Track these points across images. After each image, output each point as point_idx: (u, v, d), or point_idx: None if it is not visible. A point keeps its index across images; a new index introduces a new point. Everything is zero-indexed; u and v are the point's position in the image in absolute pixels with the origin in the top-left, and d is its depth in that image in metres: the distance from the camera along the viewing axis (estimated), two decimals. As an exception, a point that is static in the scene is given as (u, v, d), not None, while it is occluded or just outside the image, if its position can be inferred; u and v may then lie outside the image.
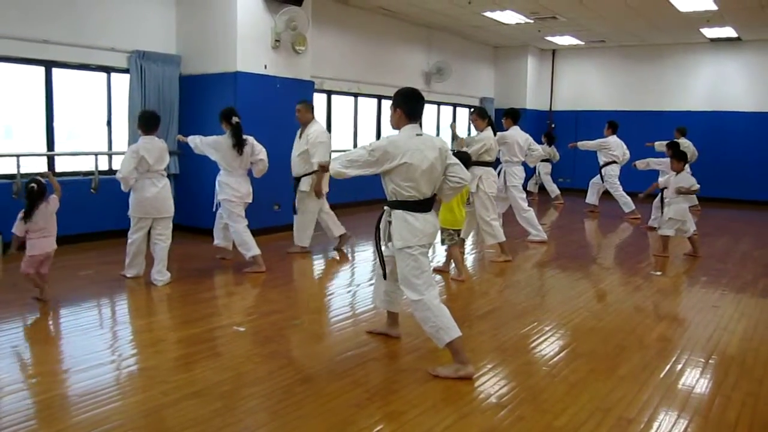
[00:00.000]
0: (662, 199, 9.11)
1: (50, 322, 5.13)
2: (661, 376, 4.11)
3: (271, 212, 8.84)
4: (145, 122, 6.12)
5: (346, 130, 12.24)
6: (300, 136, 7.47)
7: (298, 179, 7.47)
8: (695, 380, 4.06)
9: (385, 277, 4.39)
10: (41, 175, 5.57)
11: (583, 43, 15.39)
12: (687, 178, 7.97)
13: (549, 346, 4.69)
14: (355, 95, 12.16)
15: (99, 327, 5.08)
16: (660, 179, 8.73)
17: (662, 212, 8.45)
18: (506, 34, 14.38)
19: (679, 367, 4.28)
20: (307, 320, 5.28)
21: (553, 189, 13.86)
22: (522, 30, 13.66)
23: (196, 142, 6.65)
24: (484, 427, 3.33)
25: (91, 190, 7.80)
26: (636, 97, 15.57)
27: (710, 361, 4.41)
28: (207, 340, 4.62)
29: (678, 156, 8.21)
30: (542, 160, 12.78)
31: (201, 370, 4.01)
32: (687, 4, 10.71)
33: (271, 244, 7.85)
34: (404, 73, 12.77)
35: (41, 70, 7.56)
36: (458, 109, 15.50)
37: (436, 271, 6.61)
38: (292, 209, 7.62)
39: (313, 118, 7.51)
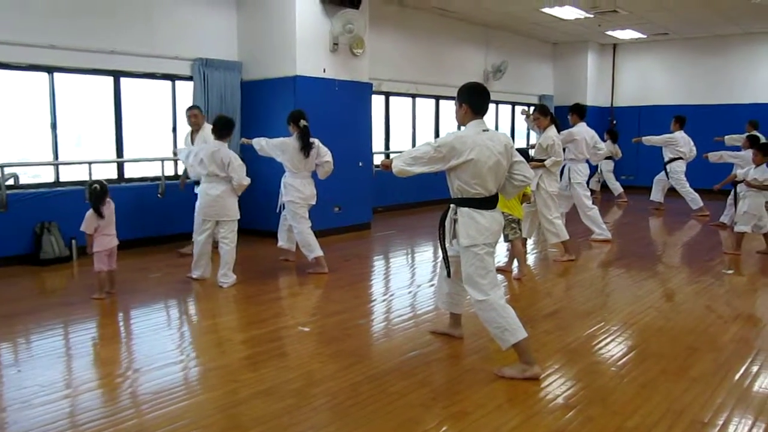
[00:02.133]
0: (735, 194, 8.81)
1: (121, 323, 5.31)
2: (736, 378, 3.97)
3: (332, 214, 8.92)
4: (218, 127, 6.27)
5: (404, 131, 12.26)
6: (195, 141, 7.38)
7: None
8: (773, 382, 3.91)
9: (449, 275, 4.37)
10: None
11: (645, 36, 15.01)
12: (764, 171, 7.65)
13: (616, 346, 4.58)
14: (413, 96, 12.17)
15: (167, 327, 5.23)
16: (738, 171, 8.37)
17: (735, 208, 8.15)
18: (565, 30, 14.15)
19: (756, 368, 4.12)
20: (370, 320, 5.31)
21: (617, 187, 13.55)
22: (582, 25, 13.41)
23: (261, 144, 6.75)
24: (552, 429, 3.28)
25: (158, 195, 8.04)
26: (702, 90, 15.09)
27: (789, 363, 4.24)
28: (273, 340, 4.70)
29: (761, 148, 7.89)
30: (605, 158, 12.51)
31: (268, 370, 4.07)
32: (756, -8, 10.34)
33: (332, 246, 7.92)
34: (462, 73, 12.65)
35: (110, 80, 7.84)
36: (517, 107, 15.32)
37: (499, 270, 6.55)
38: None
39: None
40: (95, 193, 5.69)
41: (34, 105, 7.36)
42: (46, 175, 7.57)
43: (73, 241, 7.15)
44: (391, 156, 4.73)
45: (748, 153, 9.65)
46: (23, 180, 7.27)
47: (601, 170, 13.80)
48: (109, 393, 3.79)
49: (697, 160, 11.25)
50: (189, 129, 7.55)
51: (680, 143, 11.22)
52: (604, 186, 13.96)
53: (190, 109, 7.57)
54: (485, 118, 4.05)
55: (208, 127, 7.33)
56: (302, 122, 6.52)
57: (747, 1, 10.80)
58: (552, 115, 7.42)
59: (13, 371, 4.11)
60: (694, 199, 11.17)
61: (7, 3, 6.82)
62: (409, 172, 3.96)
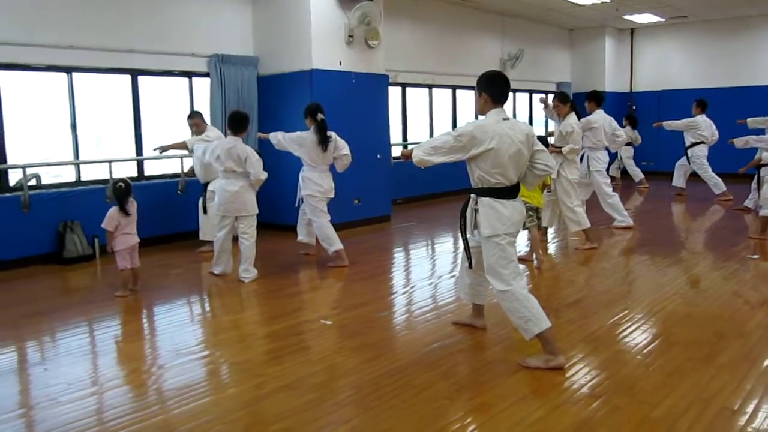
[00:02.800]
0: (759, 178, 8.67)
1: (145, 319, 5.35)
2: (765, 364, 3.91)
3: (352, 206, 8.92)
4: (232, 123, 6.28)
5: (422, 122, 12.21)
6: None
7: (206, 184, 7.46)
8: (803, 368, 3.85)
9: (470, 266, 4.34)
10: None
11: (663, 19, 14.79)
12: None
13: (641, 334, 4.54)
14: (430, 87, 12.11)
15: (191, 323, 5.27)
16: (763, 155, 8.20)
17: (759, 192, 8.02)
18: (582, 16, 13.99)
19: (784, 354, 4.07)
20: (392, 313, 5.31)
21: (637, 173, 13.40)
22: (598, 10, 13.26)
23: (278, 138, 6.74)
24: (578, 419, 3.25)
25: (178, 192, 8.09)
26: (722, 73, 14.84)
27: (818, 348, 4.17)
28: (295, 334, 4.71)
29: None
30: (625, 144, 12.36)
31: (291, 364, 4.08)
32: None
33: (352, 239, 7.93)
34: (478, 62, 12.59)
35: (128, 78, 7.88)
36: (534, 95, 15.21)
37: (520, 260, 6.50)
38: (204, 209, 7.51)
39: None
40: (120, 191, 5.72)
41: (54, 105, 7.43)
42: (68, 175, 7.65)
43: (96, 240, 7.21)
44: (411, 146, 4.69)
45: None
46: (45, 180, 7.34)
47: (621, 157, 13.64)
48: (135, 389, 3.82)
49: (719, 144, 11.09)
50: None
51: (702, 127, 11.06)
52: (625, 173, 13.80)
53: (191, 117, 7.59)
54: (504, 106, 4.01)
55: (211, 131, 7.44)
56: (319, 116, 6.51)
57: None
58: (572, 102, 7.35)
59: (40, 369, 4.16)
60: (717, 184, 11.02)
61: (25, 4, 6.87)
62: (429, 161, 3.93)
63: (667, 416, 3.24)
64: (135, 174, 8.09)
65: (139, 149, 8.06)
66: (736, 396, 3.46)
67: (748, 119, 11.40)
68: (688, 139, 11.27)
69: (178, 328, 5.00)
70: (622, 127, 12.28)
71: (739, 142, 9.65)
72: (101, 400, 3.64)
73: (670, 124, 11.30)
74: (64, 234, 7.12)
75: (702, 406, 3.33)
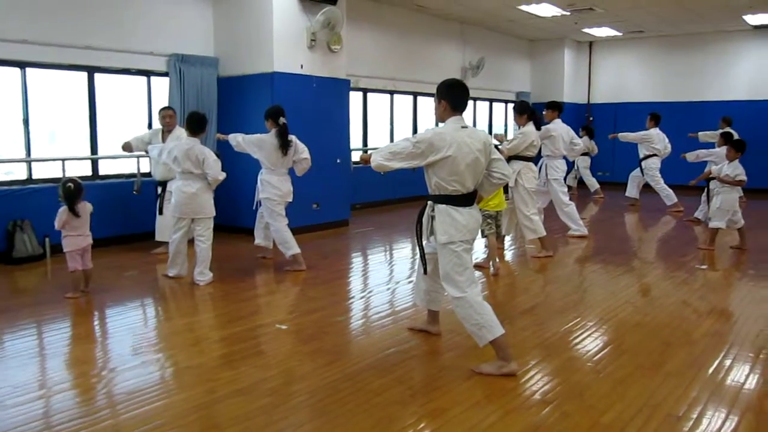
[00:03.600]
0: (708, 190, 8.92)
1: (96, 322, 5.25)
2: (710, 372, 4.02)
3: (310, 211, 8.89)
4: (191, 124, 6.21)
5: (383, 127, 12.25)
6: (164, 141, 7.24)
7: (163, 183, 7.36)
8: (745, 376, 3.96)
9: (425, 272, 4.37)
10: None
11: (620, 34, 15.15)
12: (736, 167, 7.75)
13: (593, 342, 4.62)
14: (391, 93, 12.16)
15: (143, 326, 5.18)
16: (713, 168, 8.43)
17: (708, 204, 8.24)
18: (542, 27, 14.23)
19: (728, 362, 4.18)
20: (349, 317, 5.31)
21: (593, 183, 13.66)
22: (558, 22, 13.50)
23: (238, 140, 6.66)
24: (529, 424, 3.30)
25: (134, 192, 7.94)
26: (677, 87, 15.27)
27: (760, 357, 4.30)
28: (250, 339, 4.67)
29: (734, 145, 7.98)
30: (581, 154, 12.60)
31: (245, 368, 4.05)
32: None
33: (310, 243, 7.90)
34: (440, 70, 12.71)
35: (84, 75, 7.73)
36: (494, 104, 15.39)
37: (476, 267, 6.57)
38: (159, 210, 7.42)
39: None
40: (70, 192, 5.58)
41: (6, 101, 7.24)
42: (19, 172, 7.45)
43: (47, 239, 7.05)
44: (370, 151, 4.71)
45: (722, 149, 9.75)
46: (-5, 177, 7.16)
47: (577, 167, 13.91)
48: (84, 393, 3.75)
49: (671, 157, 11.39)
50: (159, 128, 7.48)
51: (655, 140, 11.34)
52: (581, 182, 14.07)
53: (164, 109, 7.50)
54: (464, 115, 4.05)
55: (179, 130, 7.28)
56: (281, 119, 6.48)
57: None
58: (531, 112, 7.35)
59: (-15, 372, 4.05)
60: (669, 195, 11.30)
61: (-23, -3, 6.70)
62: (387, 167, 3.94)
63: (616, 422, 3.31)
64: (90, 173, 7.94)
65: (94, 147, 7.90)
66: (682, 403, 3.55)
67: (699, 133, 11.78)
68: (642, 152, 11.54)
69: (130, 330, 4.92)
70: (579, 137, 12.53)
71: (690, 156, 9.92)
72: (49, 404, 3.56)
73: (625, 136, 11.55)
74: (14, 233, 6.94)
75: (649, 413, 3.41)
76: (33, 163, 7.45)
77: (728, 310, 5.54)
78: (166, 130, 7.39)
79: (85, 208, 5.72)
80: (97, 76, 7.84)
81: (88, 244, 5.74)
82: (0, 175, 7.37)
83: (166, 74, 8.40)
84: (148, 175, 7.74)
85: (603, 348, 4.50)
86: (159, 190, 7.42)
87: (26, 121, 7.28)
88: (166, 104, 8.24)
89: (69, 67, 7.55)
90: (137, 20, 8.07)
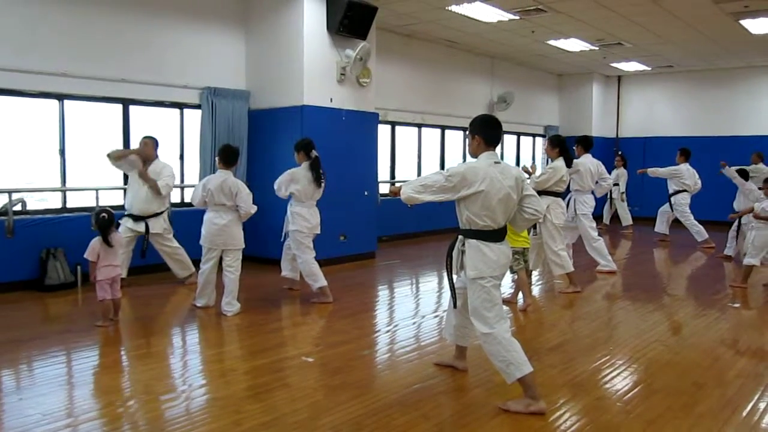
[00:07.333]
0: (739, 226, 8.77)
1: (124, 351, 5.29)
2: (744, 414, 3.93)
3: (337, 243, 8.93)
4: (224, 157, 6.30)
5: (410, 160, 12.31)
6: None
7: (143, 218, 7.21)
8: (781, 419, 3.86)
9: (455, 305, 4.35)
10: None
11: (649, 68, 15.13)
12: None
13: (622, 381, 4.55)
14: (419, 126, 12.24)
15: (171, 356, 5.21)
16: (755, 205, 8.22)
17: (736, 241, 8.09)
18: (570, 62, 14.27)
19: (763, 405, 4.08)
20: (375, 351, 5.29)
21: (627, 217, 13.42)
22: (587, 57, 13.54)
23: (281, 191, 6.67)
24: (558, 465, 3.24)
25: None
26: (706, 122, 15.16)
27: (797, 400, 4.19)
28: (276, 371, 4.67)
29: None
30: (613, 184, 12.34)
31: (272, 401, 4.05)
32: (759, 26, 10.44)
33: (337, 275, 7.91)
34: (468, 103, 12.80)
35: (119, 107, 7.91)
36: (522, 138, 15.40)
37: (505, 302, 6.52)
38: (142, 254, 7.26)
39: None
40: (103, 222, 5.69)
41: (44, 131, 7.42)
42: (54, 201, 7.61)
43: (78, 268, 7.16)
44: (399, 183, 4.72)
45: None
46: (31, 205, 7.30)
47: (611, 199, 13.66)
48: (111, 423, 3.76)
49: (702, 192, 11.25)
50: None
51: (685, 176, 11.21)
52: (615, 217, 13.79)
53: (147, 138, 7.33)
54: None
55: (158, 163, 7.27)
56: (313, 153, 6.56)
57: (748, 35, 10.89)
58: (563, 147, 7.29)
59: (15, 399, 4.09)
60: (699, 231, 11.14)
61: (18, 31, 6.92)
62: (417, 199, 3.94)
63: (647, 465, 3.24)
64: (121, 202, 8.05)
65: (127, 178, 8.03)
66: (715, 446, 3.46)
67: (726, 168, 11.44)
68: (672, 187, 11.41)
69: (158, 360, 4.96)
70: (613, 168, 12.44)
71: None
72: (76, 432, 3.59)
73: (654, 171, 11.45)
74: (47, 261, 7.06)
75: (681, 456, 3.33)
76: (68, 193, 7.60)
77: (763, 350, 5.41)
78: (144, 161, 7.27)
79: (117, 237, 5.81)
80: (132, 108, 8.03)
81: (118, 275, 5.82)
82: (35, 202, 7.52)
83: (198, 107, 8.57)
84: (180, 205, 7.82)
85: (633, 387, 4.42)
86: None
87: (62, 152, 7.45)
88: (196, 137, 8.40)
89: (105, 99, 7.74)
90: (171, 54, 8.27)
